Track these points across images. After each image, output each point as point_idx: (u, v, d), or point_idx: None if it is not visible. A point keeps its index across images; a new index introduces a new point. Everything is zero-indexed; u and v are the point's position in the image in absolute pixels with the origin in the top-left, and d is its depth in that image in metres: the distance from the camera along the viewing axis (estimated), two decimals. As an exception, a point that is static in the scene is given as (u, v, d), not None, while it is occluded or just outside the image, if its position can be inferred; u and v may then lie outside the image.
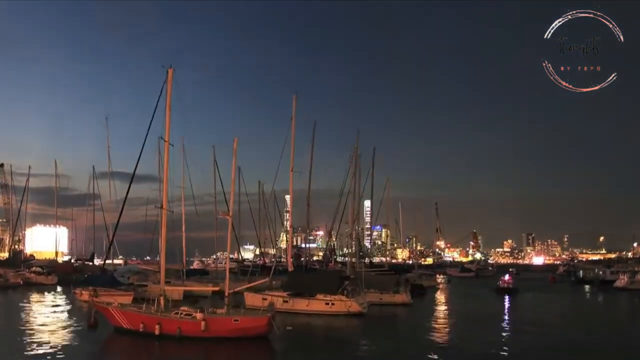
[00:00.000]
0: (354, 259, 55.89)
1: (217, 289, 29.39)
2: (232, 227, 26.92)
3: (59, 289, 51.27)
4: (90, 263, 67.83)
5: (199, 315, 22.18)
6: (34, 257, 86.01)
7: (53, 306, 36.73)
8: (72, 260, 77.25)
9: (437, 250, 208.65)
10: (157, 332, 22.01)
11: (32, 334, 23.63)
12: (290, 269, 40.25)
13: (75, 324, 27.05)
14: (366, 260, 66.37)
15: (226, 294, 24.38)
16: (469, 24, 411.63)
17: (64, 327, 26.21)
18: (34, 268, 61.88)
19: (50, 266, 65.25)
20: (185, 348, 21.26)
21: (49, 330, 24.85)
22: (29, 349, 20.30)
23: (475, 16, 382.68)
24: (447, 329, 28.18)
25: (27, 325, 26.85)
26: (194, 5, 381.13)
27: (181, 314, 22.73)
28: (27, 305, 37.67)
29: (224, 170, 56.38)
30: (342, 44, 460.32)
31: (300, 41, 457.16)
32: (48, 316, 30.64)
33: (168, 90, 24.55)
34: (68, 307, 35.53)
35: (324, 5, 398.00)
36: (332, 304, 32.75)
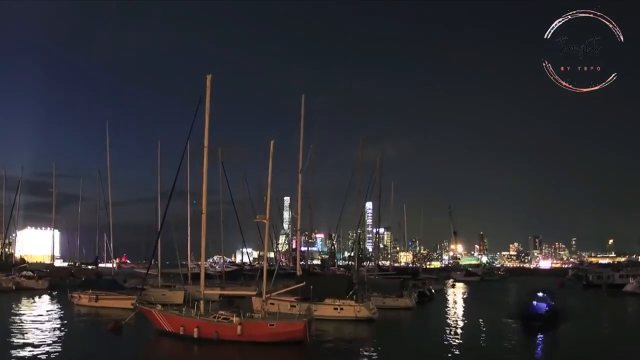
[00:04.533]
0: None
1: (253, 293, 29.67)
2: (268, 231, 27.85)
3: (52, 293, 49.64)
4: (95, 267, 66.34)
5: (235, 320, 22.35)
6: (24, 260, 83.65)
7: (54, 311, 35.77)
8: (77, 264, 75.29)
9: (454, 254, 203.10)
10: (195, 335, 22.39)
11: (59, 341, 23.11)
12: (299, 272, 39.61)
13: (94, 330, 27.24)
14: (371, 264, 64.94)
15: (263, 297, 24.92)
16: (469, 23, 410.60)
17: (85, 332, 26.42)
18: (24, 272, 60.09)
19: (44, 270, 63.40)
20: (222, 352, 21.46)
21: (72, 336, 24.85)
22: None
23: (475, 16, 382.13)
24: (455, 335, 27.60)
25: (52, 332, 25.77)
26: (194, 5, 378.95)
27: (218, 317, 22.99)
28: (34, 311, 36.06)
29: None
30: (348, 38, 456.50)
31: (301, 36, 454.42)
32: (63, 321, 30.04)
33: (207, 96, 24.83)
34: (69, 312, 34.70)
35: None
36: (341, 309, 32.15)
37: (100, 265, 69.41)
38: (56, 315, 32.84)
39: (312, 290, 32.32)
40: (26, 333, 24.88)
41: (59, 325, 27.99)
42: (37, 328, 26.63)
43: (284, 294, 31.86)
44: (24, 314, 33.04)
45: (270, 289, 28.35)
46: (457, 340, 25.49)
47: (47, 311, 35.22)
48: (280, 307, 29.45)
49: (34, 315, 32.41)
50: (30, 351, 20.22)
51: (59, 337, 23.85)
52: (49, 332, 25.24)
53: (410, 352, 22.74)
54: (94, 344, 23.16)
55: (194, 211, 43.56)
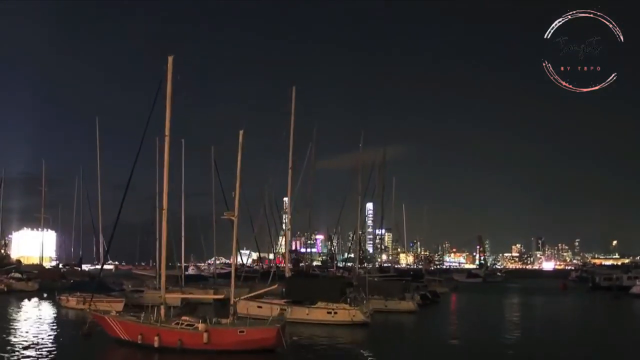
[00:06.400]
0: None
1: (221, 296, 27.62)
2: (236, 229, 25.42)
3: (42, 295, 47.94)
4: (79, 268, 64.81)
5: (201, 326, 20.30)
6: (20, 262, 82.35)
7: (37, 314, 34.51)
8: (61, 266, 73.97)
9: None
10: (156, 344, 20.19)
11: (19, 345, 21.68)
12: (288, 274, 37.73)
13: (65, 334, 25.50)
14: (369, 265, 63.59)
15: (231, 301, 22.52)
16: (469, 23, 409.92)
17: (54, 337, 24.37)
18: (12, 274, 58.50)
19: (33, 272, 61.86)
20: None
21: (37, 341, 22.87)
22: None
23: (474, 16, 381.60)
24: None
25: (13, 335, 24.62)
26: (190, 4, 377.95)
27: (182, 324, 20.85)
28: (12, 313, 34.79)
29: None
30: (346, 35, 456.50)
31: (300, 32, 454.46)
32: (35, 325, 28.49)
33: (168, 79, 23.00)
34: (54, 315, 33.70)
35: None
36: (335, 312, 30.54)
37: (89, 266, 68.49)
38: (36, 318, 31.70)
39: (303, 293, 31.35)
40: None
41: (28, 329, 26.55)
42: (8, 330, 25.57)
43: (266, 298, 30.37)
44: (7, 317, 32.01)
45: (240, 292, 26.44)
46: (455, 345, 24.61)
47: (32, 315, 33.77)
48: (265, 312, 27.73)
49: (15, 318, 31.57)
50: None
51: (20, 341, 22.64)
52: (16, 335, 24.11)
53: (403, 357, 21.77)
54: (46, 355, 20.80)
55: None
